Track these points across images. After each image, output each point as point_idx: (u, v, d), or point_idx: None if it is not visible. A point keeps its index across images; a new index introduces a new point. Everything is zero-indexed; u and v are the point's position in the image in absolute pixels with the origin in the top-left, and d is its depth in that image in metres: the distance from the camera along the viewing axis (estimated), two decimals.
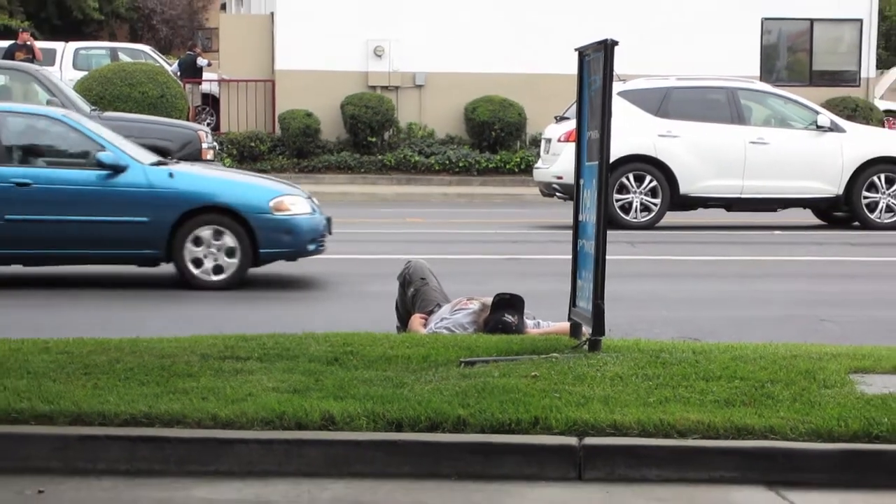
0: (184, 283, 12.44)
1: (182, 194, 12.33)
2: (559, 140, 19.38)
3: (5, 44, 30.10)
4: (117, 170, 12.14)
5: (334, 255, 13.69)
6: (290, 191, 13.26)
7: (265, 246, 12.26)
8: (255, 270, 12.59)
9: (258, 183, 13.62)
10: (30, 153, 12.60)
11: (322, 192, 25.42)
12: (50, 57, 30.22)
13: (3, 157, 12.25)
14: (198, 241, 12.25)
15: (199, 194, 12.45)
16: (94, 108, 20.13)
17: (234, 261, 12.24)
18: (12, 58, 25.77)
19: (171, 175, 12.42)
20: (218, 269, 12.23)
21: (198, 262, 12.25)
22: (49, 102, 17.61)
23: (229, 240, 12.21)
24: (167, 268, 12.63)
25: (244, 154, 27.07)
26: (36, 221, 12.08)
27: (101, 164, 12.13)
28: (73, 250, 12.31)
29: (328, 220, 13.11)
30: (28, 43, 28.69)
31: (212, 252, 12.24)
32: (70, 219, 12.16)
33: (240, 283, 12.38)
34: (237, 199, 12.46)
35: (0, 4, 42.10)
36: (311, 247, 12.64)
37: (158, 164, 12.73)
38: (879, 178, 19.09)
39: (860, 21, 28.27)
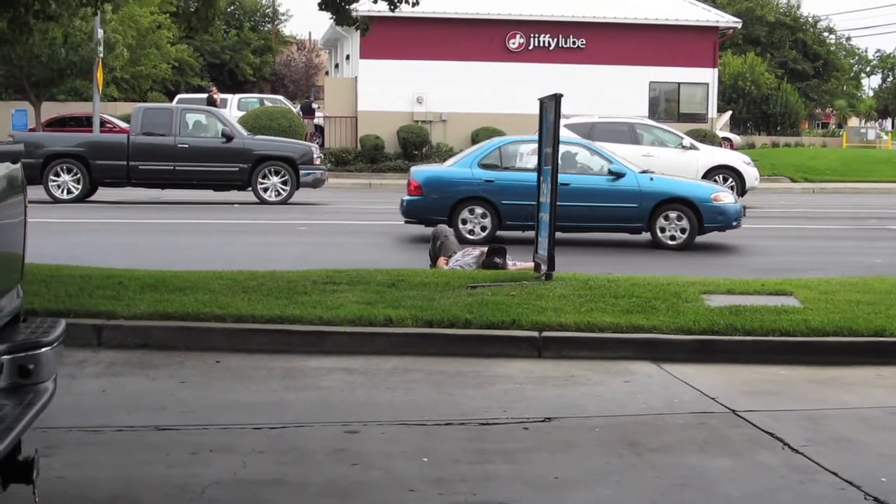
0: (654, 245, 16.69)
1: (657, 191, 16.67)
2: (528, 154, 24.96)
3: (202, 96, 41.19)
4: (619, 176, 16.60)
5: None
6: (721, 189, 17.71)
7: (707, 223, 16.62)
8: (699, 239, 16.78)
9: (703, 184, 18.52)
10: (567, 166, 16.16)
11: (385, 184, 33.17)
12: (224, 103, 40.57)
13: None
14: (666, 219, 16.54)
15: (667, 191, 16.75)
16: (249, 133, 26.03)
17: (685, 235, 16.55)
18: (209, 104, 34.95)
19: (651, 179, 16.71)
20: (673, 238, 16.60)
21: (662, 231, 16.58)
22: (223, 132, 23.36)
23: (684, 220, 16.56)
24: (644, 235, 16.88)
25: (339, 161, 36.21)
26: (572, 206, 15.87)
27: (610, 172, 16.53)
28: (591, 224, 16.76)
29: (743, 207, 17.45)
30: (214, 94, 39.66)
31: (671, 226, 16.57)
32: (591, 205, 16.46)
33: (686, 246, 16.53)
34: (691, 193, 16.67)
35: (196, 72, 63.32)
36: (734, 223, 16.80)
37: (643, 172, 17.05)
38: (719, 177, 26.01)
39: (707, 84, 39.91)
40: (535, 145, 16.60)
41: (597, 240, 17.34)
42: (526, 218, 15.70)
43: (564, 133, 11.18)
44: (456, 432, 6.70)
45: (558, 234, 16.19)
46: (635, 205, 16.60)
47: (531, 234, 15.63)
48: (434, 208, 16.63)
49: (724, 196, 16.96)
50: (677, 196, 16.71)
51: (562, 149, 16.37)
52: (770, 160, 39.89)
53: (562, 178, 15.56)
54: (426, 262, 12.71)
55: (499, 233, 16.68)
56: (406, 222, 17.24)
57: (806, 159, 41.97)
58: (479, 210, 16.77)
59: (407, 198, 17.02)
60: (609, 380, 8.16)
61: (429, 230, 16.27)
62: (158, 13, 51.05)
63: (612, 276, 11.36)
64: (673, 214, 16.63)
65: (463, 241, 15.85)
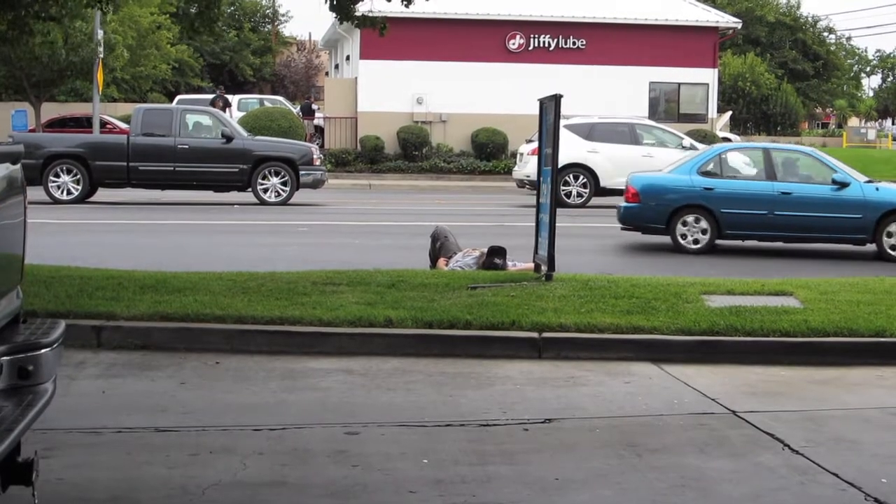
0: (878, 257, 15.82)
1: (884, 201, 15.89)
2: (528, 154, 25.48)
3: (206, 96, 41.35)
4: (843, 185, 15.85)
5: None
6: None
7: None
8: None
9: None
10: (788, 174, 16.08)
11: (385, 185, 33.61)
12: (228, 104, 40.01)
13: (772, 176, 15.86)
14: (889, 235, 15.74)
15: (894, 202, 15.87)
16: (250, 133, 26.04)
17: None
18: (213, 105, 35.05)
19: (877, 189, 16.10)
20: None
21: (893, 246, 15.68)
22: (223, 133, 23.21)
23: None
24: (870, 247, 16.06)
25: (338, 162, 36.32)
26: (794, 216, 15.70)
27: (834, 182, 15.82)
28: (812, 234, 16.04)
29: None
30: (224, 95, 40.20)
31: None
32: (813, 215, 15.79)
33: None
34: None
35: (196, 73, 62.77)
36: None
37: (869, 181, 16.30)
38: None
39: (707, 84, 39.72)
40: (759, 152, 16.71)
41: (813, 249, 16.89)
42: (746, 227, 16.01)
43: (561, 133, 11.08)
44: (456, 433, 6.70)
45: (776, 245, 16.60)
46: (859, 215, 15.90)
47: (744, 243, 16.32)
48: (651, 216, 16.37)
49: None
50: None
51: (783, 156, 16.63)
52: None
53: (783, 186, 15.98)
54: (426, 263, 12.70)
55: (717, 242, 16.44)
56: (622, 229, 16.99)
57: None
58: (697, 218, 16.23)
59: (624, 205, 16.66)
60: (609, 381, 8.16)
61: (645, 238, 16.76)
62: (158, 14, 51.02)
63: (613, 276, 11.36)
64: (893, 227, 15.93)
65: (680, 251, 15.99)
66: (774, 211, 15.80)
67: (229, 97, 43.79)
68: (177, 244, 16.29)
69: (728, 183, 16.33)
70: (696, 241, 16.26)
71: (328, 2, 12.51)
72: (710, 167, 16.49)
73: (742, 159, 17.11)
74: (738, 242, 16.77)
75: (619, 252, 16.62)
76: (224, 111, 33.63)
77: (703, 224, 16.19)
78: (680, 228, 16.28)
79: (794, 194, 15.93)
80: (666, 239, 16.68)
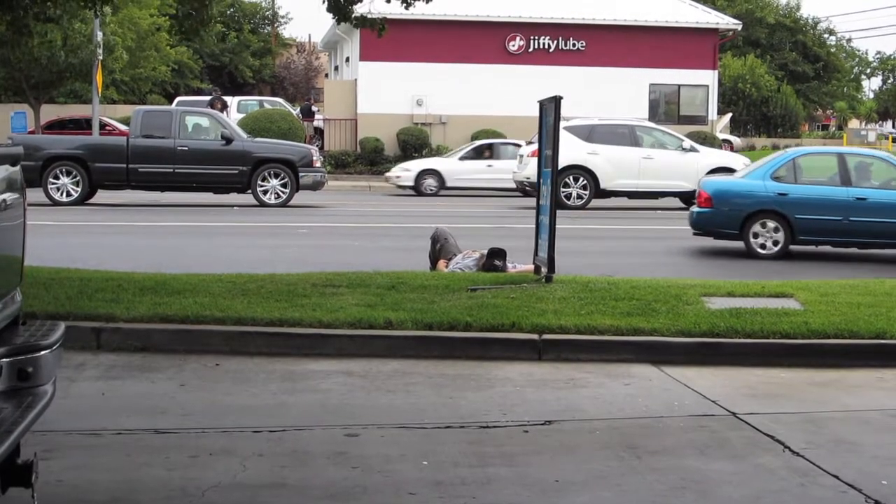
0: None
1: None
2: (528, 155, 25.45)
3: (206, 98, 40.78)
4: None
5: None
6: None
7: None
8: None
9: None
10: (862, 178, 15.95)
11: (385, 187, 33.33)
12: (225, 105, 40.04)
13: (846, 181, 15.74)
14: None
15: None
16: (249, 135, 26.05)
17: None
18: (211, 106, 34.97)
19: None
20: None
21: None
22: (222, 134, 23.34)
23: None
24: None
25: (338, 163, 36.56)
26: (871, 222, 15.57)
27: None
28: (885, 240, 15.88)
29: None
30: (221, 97, 39.93)
31: None
32: (889, 221, 15.64)
33: None
34: None
35: (196, 75, 62.72)
36: None
37: None
38: None
39: (707, 86, 39.97)
40: (832, 157, 16.51)
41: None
42: (820, 233, 15.80)
43: (561, 134, 11.07)
44: (456, 435, 6.69)
45: (851, 250, 16.40)
46: None
47: (817, 248, 16.09)
48: (724, 221, 16.17)
49: None
50: None
51: (856, 161, 16.44)
52: None
53: (858, 192, 15.82)
54: (426, 264, 12.70)
55: (792, 247, 16.23)
56: (694, 234, 16.76)
57: None
58: (771, 224, 16.02)
59: (696, 210, 16.44)
60: (609, 382, 8.15)
61: (718, 243, 16.55)
62: (158, 16, 51.02)
63: (613, 278, 11.35)
64: None
65: (753, 256, 15.76)
66: (850, 217, 15.63)
67: (228, 98, 43.80)
68: (176, 246, 16.29)
69: (802, 188, 16.09)
70: (768, 247, 16.04)
71: (326, 2, 12.50)
72: (783, 172, 16.24)
73: (815, 164, 16.90)
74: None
75: (614, 253, 16.58)
76: (222, 112, 33.62)
77: (777, 230, 16.00)
78: (753, 234, 16.04)
79: (870, 200, 15.74)
80: (725, 243, 16.68)
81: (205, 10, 12.62)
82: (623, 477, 5.95)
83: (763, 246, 16.06)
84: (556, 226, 10.78)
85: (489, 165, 31.73)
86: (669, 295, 10.24)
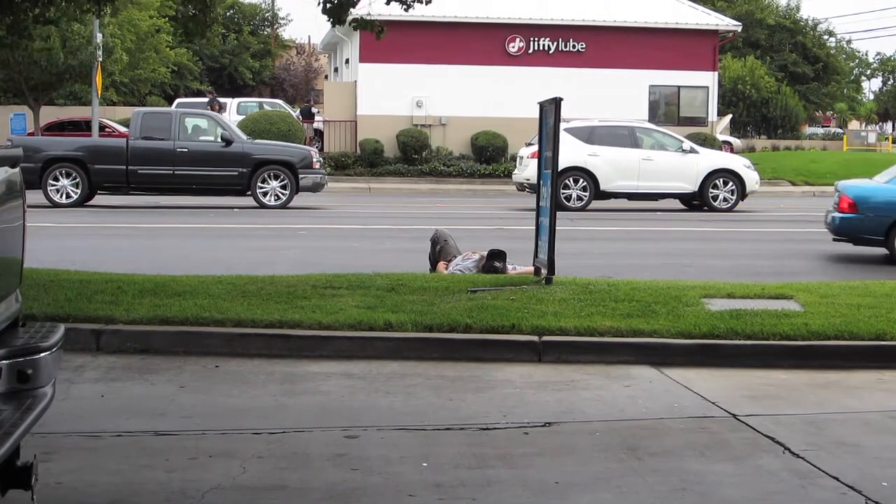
0: None
1: None
2: (528, 157, 25.66)
3: (204, 99, 41.42)
4: None
5: None
6: None
7: None
8: None
9: None
10: None
11: (385, 188, 33.55)
12: (224, 107, 40.55)
13: None
14: None
15: None
16: (249, 137, 25.99)
17: None
18: (210, 108, 34.93)
19: None
20: None
21: None
22: (222, 136, 23.45)
23: None
24: None
25: (338, 165, 36.50)
26: None
27: None
28: None
29: None
30: (217, 98, 40.56)
31: None
32: None
33: None
34: None
35: (195, 76, 63.21)
36: None
37: None
38: (719, 181, 26.29)
39: (707, 87, 39.85)
40: None
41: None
42: None
43: (561, 136, 10.99)
44: (456, 437, 6.68)
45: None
46: None
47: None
48: (869, 227, 15.48)
49: None
50: None
51: None
52: (770, 163, 39.88)
53: None
54: (426, 266, 12.70)
55: None
56: (834, 240, 16.19)
57: (806, 162, 41.97)
58: None
59: (838, 215, 15.68)
60: (609, 384, 8.14)
61: (857, 250, 16.06)
62: (157, 17, 51.03)
63: (613, 280, 11.35)
64: None
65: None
66: None
67: (226, 100, 43.79)
68: (176, 247, 16.29)
69: None
70: None
71: (321, 4, 12.50)
72: None
73: None
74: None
75: (614, 255, 16.55)
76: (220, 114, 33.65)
77: None
78: None
79: None
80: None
81: (209, 11, 12.61)
82: (623, 478, 5.95)
83: None
84: (556, 227, 10.78)
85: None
86: (669, 296, 10.24)
